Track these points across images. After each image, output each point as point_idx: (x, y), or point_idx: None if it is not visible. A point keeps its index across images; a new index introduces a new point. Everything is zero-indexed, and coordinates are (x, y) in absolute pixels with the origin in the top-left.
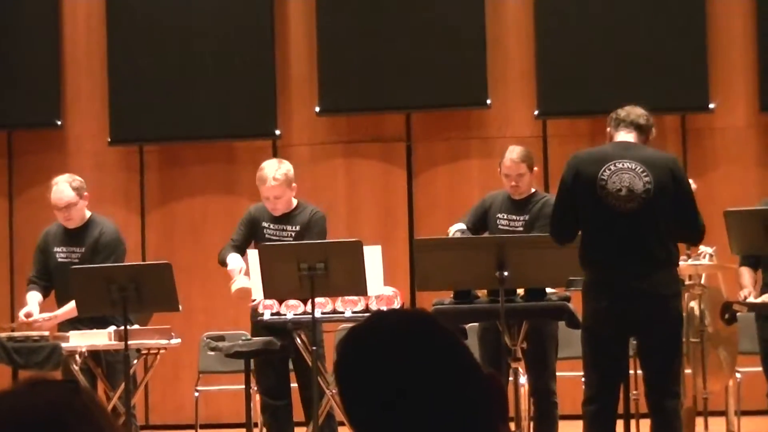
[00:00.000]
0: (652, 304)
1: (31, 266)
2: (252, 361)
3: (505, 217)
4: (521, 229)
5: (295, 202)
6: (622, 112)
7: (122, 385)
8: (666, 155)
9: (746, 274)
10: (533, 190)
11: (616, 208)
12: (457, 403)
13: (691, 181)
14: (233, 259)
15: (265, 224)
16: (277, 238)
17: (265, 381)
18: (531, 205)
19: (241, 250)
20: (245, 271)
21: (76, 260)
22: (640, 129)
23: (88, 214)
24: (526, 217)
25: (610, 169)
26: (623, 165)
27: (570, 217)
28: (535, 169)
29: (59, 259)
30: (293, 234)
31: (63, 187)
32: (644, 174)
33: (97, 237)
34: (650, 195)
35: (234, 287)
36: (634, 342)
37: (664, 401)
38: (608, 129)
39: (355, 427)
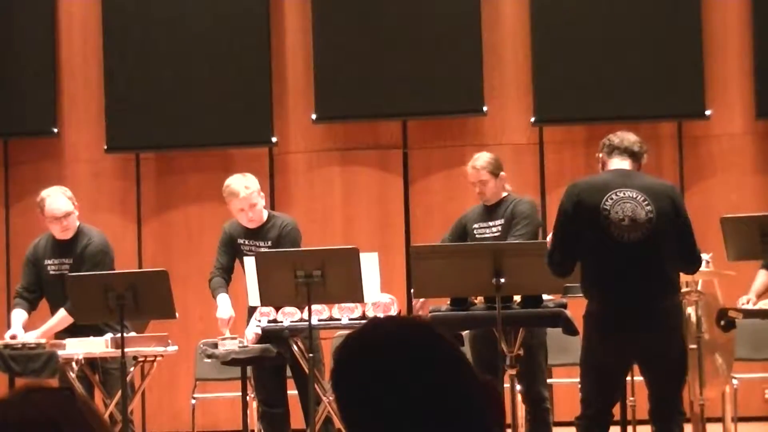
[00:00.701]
0: (655, 333)
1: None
2: (249, 368)
3: (480, 225)
4: (498, 234)
5: (266, 214)
6: (616, 139)
7: (119, 393)
8: (665, 183)
9: (760, 279)
10: (504, 194)
11: (618, 238)
12: (455, 410)
13: (707, 256)
14: (222, 304)
15: (240, 240)
16: (252, 253)
17: (262, 388)
18: (503, 208)
19: (229, 273)
20: (233, 320)
21: (66, 271)
22: (634, 156)
23: (76, 224)
24: (501, 222)
25: (612, 199)
26: (625, 194)
27: (569, 245)
28: (502, 174)
29: (51, 272)
30: (266, 249)
31: (59, 197)
32: (646, 203)
33: (84, 246)
34: (653, 224)
35: (220, 349)
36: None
37: (669, 422)
38: (600, 155)
39: None
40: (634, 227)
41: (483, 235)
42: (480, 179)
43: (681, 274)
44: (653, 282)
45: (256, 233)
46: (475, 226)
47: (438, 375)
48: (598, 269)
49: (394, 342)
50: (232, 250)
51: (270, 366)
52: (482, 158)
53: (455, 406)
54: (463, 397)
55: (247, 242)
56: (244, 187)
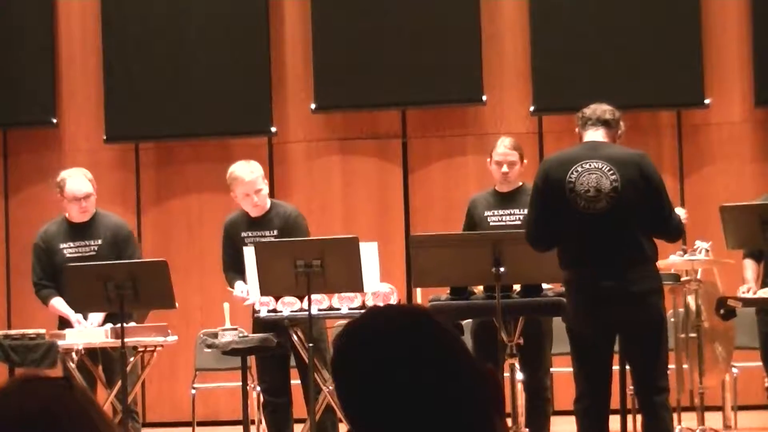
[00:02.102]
0: (627, 302)
1: (33, 271)
2: (254, 358)
3: (495, 213)
4: (519, 222)
5: (268, 202)
6: (588, 110)
7: (119, 382)
8: (635, 152)
9: (750, 267)
10: (521, 183)
11: (585, 209)
12: (455, 399)
13: (682, 211)
14: (238, 286)
15: (243, 234)
16: None
17: (266, 378)
18: (522, 197)
19: (240, 265)
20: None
21: (91, 254)
22: (608, 124)
23: (94, 208)
24: (523, 210)
25: (577, 171)
26: (591, 165)
27: (545, 220)
28: (525, 161)
29: (67, 255)
30: (272, 239)
31: (81, 178)
32: (611, 173)
33: (115, 230)
34: (618, 194)
35: (220, 339)
36: None
37: (652, 397)
38: (577, 129)
39: (351, 423)
40: (598, 198)
41: (499, 223)
42: (510, 159)
43: (677, 259)
44: (621, 251)
45: (260, 223)
46: (488, 213)
47: (438, 364)
48: (569, 241)
49: (393, 331)
50: (235, 247)
51: (273, 356)
52: (512, 139)
53: (456, 395)
54: (464, 385)
55: (250, 234)
56: (249, 171)
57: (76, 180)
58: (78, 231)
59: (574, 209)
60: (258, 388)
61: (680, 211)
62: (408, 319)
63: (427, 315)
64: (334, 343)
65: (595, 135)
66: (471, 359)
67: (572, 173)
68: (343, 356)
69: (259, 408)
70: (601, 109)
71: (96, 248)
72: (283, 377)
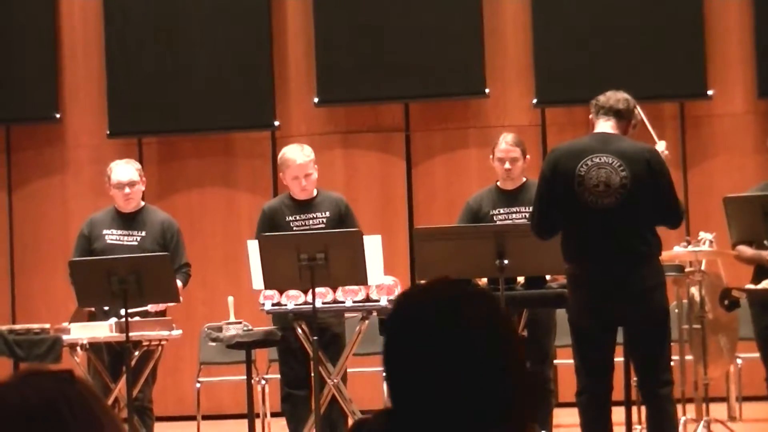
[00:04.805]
0: (632, 298)
1: (72, 255)
2: (276, 350)
3: (501, 211)
4: (525, 220)
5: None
6: (602, 98)
7: (143, 378)
8: (643, 146)
9: (746, 248)
10: (525, 179)
11: (593, 203)
12: (500, 392)
13: (663, 144)
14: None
15: (289, 218)
16: (307, 227)
17: (287, 370)
18: (528, 194)
19: None
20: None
21: (133, 243)
22: (619, 115)
23: (141, 199)
24: (529, 208)
25: (587, 165)
26: (600, 159)
27: (550, 210)
28: (528, 157)
29: (108, 241)
30: (324, 221)
31: (126, 167)
32: (621, 168)
33: (164, 225)
34: (627, 189)
35: (224, 332)
36: None
37: (656, 390)
38: (590, 116)
39: (396, 401)
40: (607, 193)
41: (506, 221)
42: (512, 156)
43: (680, 250)
44: (628, 247)
45: (308, 206)
46: (494, 212)
47: (490, 350)
48: (574, 234)
49: (448, 313)
50: (273, 231)
51: (296, 348)
52: (513, 135)
53: (501, 389)
54: (510, 380)
55: (298, 217)
56: (302, 154)
57: (122, 167)
58: (125, 220)
59: (582, 202)
60: (263, 382)
61: (660, 145)
62: (462, 294)
63: (483, 296)
64: (386, 325)
65: (605, 126)
66: (523, 350)
67: (582, 166)
68: (396, 338)
69: (263, 402)
70: (615, 98)
71: (139, 239)
72: (304, 369)
